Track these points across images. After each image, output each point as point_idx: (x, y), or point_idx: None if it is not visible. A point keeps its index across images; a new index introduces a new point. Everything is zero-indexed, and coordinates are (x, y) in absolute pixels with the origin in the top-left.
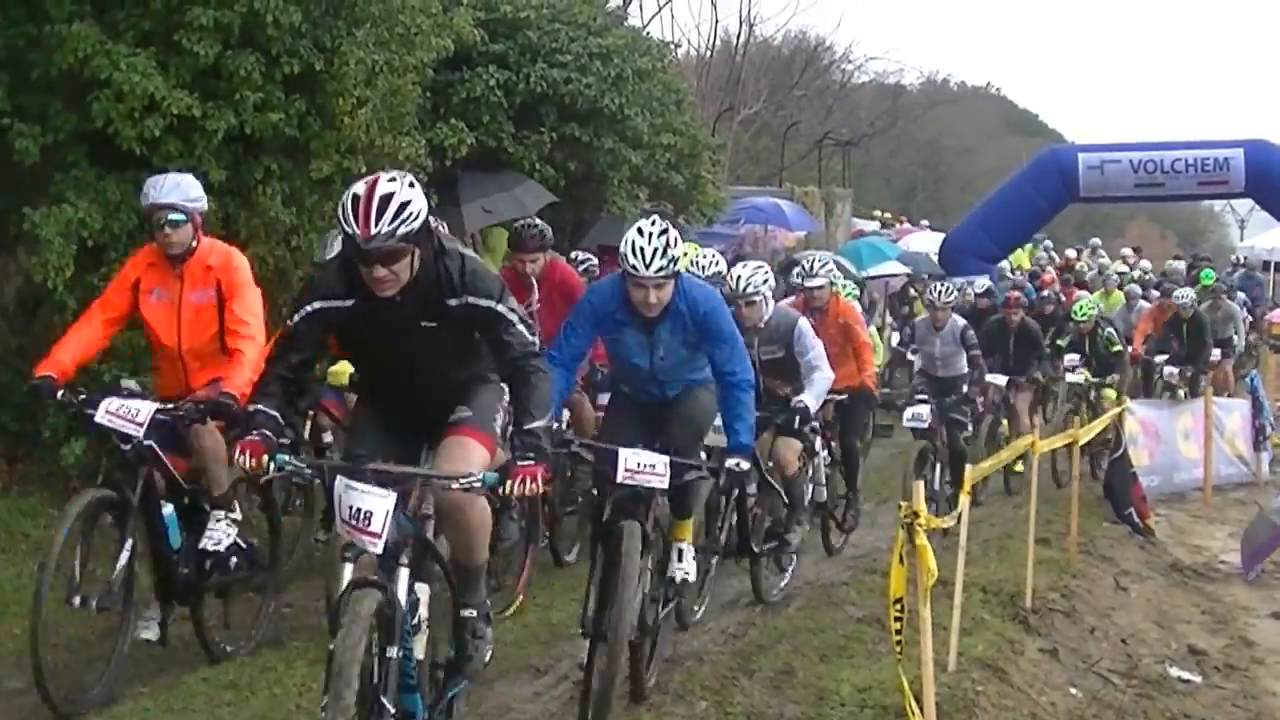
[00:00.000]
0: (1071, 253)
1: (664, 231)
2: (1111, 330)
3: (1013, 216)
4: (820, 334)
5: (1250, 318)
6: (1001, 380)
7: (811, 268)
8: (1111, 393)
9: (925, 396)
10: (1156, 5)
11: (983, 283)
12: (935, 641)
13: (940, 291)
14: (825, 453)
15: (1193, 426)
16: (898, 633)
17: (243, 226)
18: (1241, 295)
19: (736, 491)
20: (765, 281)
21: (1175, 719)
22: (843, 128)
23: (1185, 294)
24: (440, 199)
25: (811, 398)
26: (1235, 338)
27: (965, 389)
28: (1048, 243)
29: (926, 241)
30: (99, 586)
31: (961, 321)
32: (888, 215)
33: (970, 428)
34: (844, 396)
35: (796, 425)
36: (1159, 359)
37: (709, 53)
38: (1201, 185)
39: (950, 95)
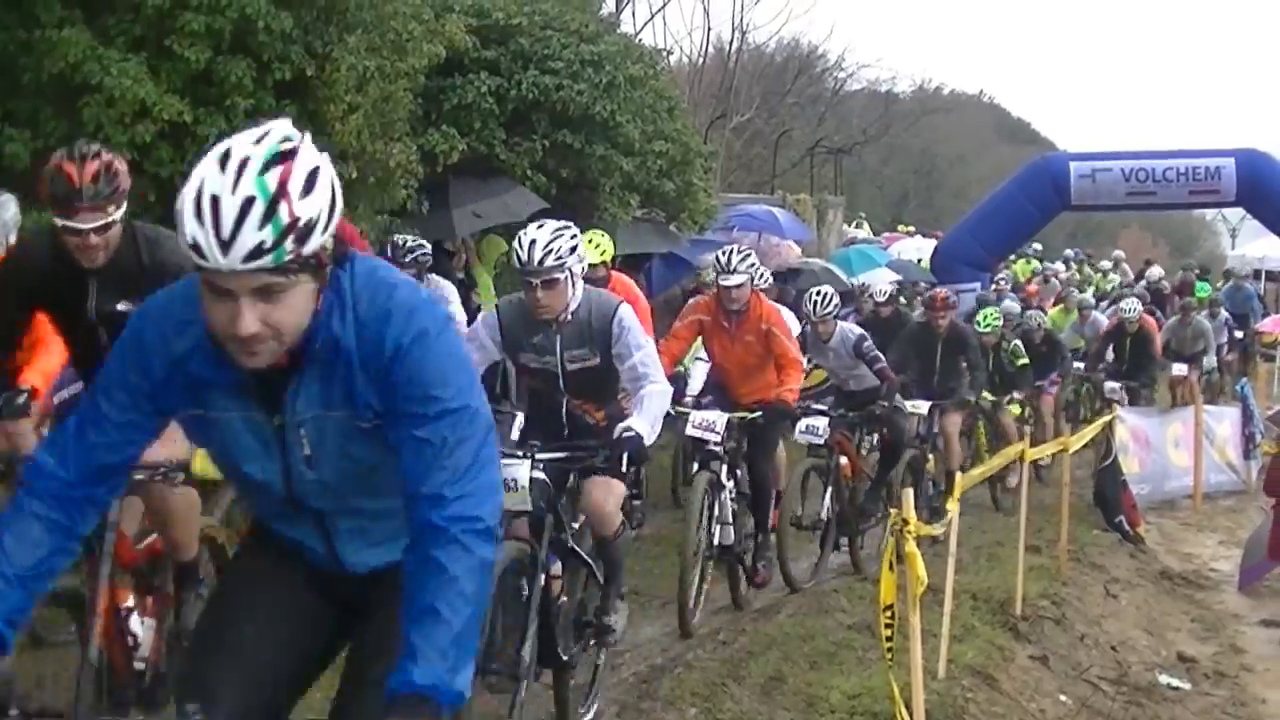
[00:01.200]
0: (1058, 265)
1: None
2: (1017, 344)
3: (1004, 224)
4: (734, 342)
5: (1239, 333)
6: (923, 407)
7: (729, 262)
8: (1016, 409)
9: (824, 408)
10: (1149, 15)
11: (884, 289)
12: (925, 649)
13: (816, 303)
14: (732, 484)
15: (1183, 434)
16: (888, 640)
17: None
18: (1225, 314)
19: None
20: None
21: None
22: (835, 135)
23: (1130, 305)
24: (431, 205)
25: (645, 423)
26: (1206, 354)
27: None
28: (1040, 257)
29: (915, 248)
30: None
31: (856, 332)
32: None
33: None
34: (758, 415)
35: (624, 464)
36: (1101, 376)
37: (701, 60)
38: (1193, 194)
39: (943, 103)
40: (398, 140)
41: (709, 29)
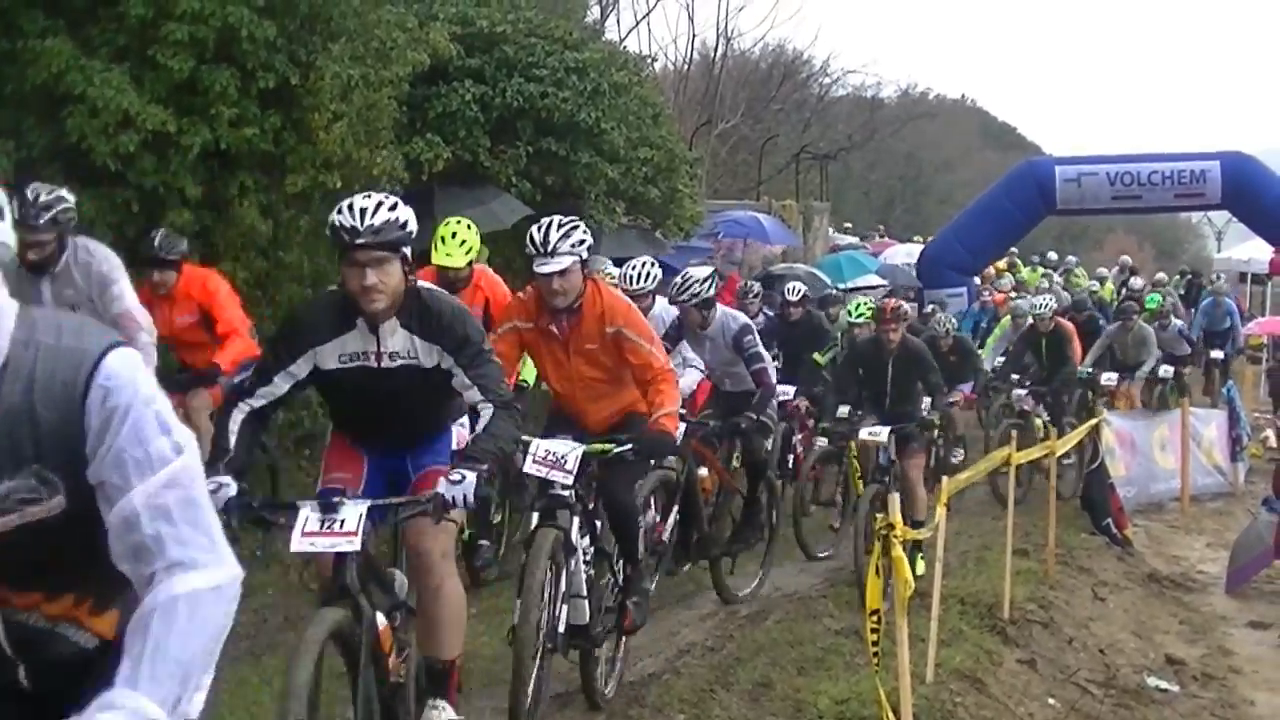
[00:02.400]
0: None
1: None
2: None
3: (990, 229)
4: (570, 354)
5: (1216, 353)
6: (882, 434)
7: (546, 238)
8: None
9: (701, 418)
10: (1133, 20)
11: (797, 286)
12: (913, 653)
13: (631, 277)
14: (587, 541)
15: (1169, 437)
16: (875, 644)
17: (220, 240)
18: (1178, 324)
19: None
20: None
21: None
22: (820, 141)
23: (1041, 303)
24: (416, 213)
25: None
26: (1146, 363)
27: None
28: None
29: (906, 254)
30: None
31: (739, 321)
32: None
33: (772, 469)
34: (626, 447)
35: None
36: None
37: (686, 66)
38: (1178, 197)
39: (928, 108)
40: (382, 148)
41: (694, 35)
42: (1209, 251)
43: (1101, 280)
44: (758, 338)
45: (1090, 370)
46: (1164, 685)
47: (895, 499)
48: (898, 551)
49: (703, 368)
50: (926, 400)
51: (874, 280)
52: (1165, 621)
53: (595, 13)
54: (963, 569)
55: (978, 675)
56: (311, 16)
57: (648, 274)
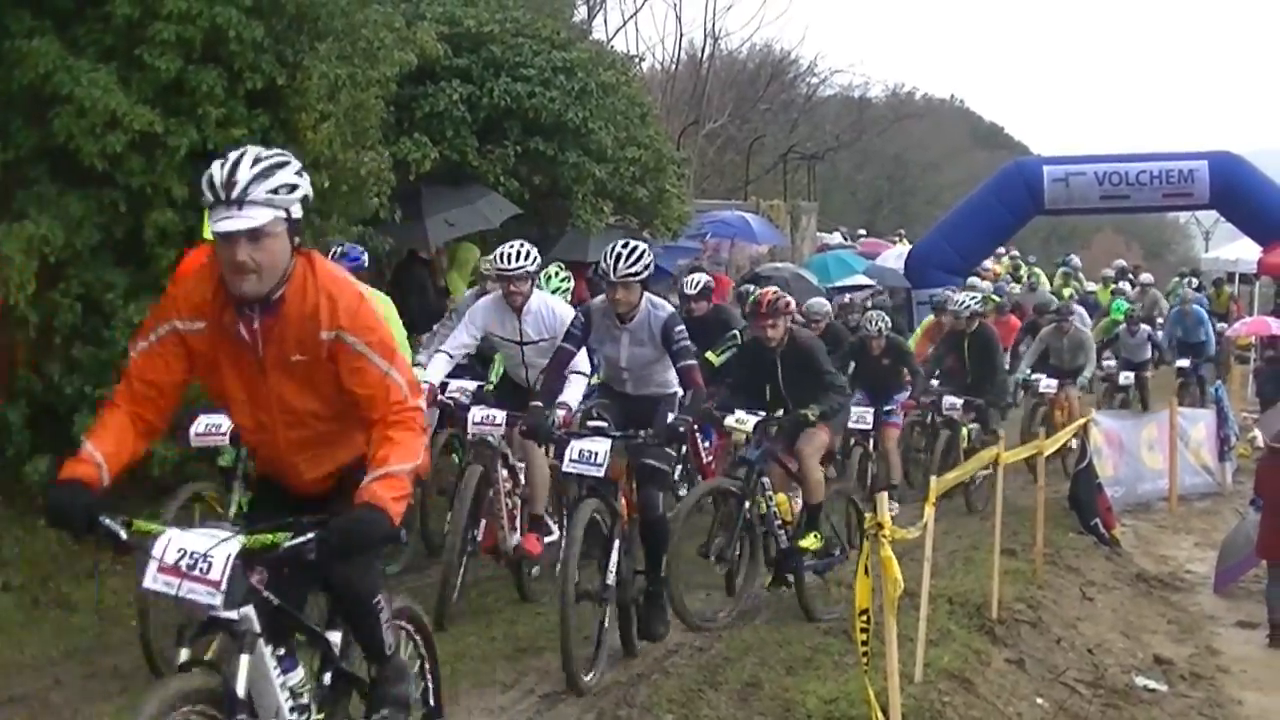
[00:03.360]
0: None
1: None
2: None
3: (978, 229)
4: (261, 377)
5: (1183, 361)
6: (749, 423)
7: (231, 183)
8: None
9: (604, 422)
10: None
11: (697, 279)
12: (901, 653)
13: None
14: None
15: (1157, 437)
16: (864, 644)
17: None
18: (1146, 328)
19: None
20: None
21: None
22: (808, 141)
23: (962, 300)
24: (404, 213)
25: None
26: (1085, 369)
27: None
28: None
29: (897, 256)
30: None
31: (665, 311)
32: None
33: (676, 485)
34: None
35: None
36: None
37: (674, 66)
38: (1166, 197)
39: (916, 108)
40: (370, 148)
41: (681, 35)
42: (1196, 251)
43: (1106, 281)
44: (686, 333)
45: (1029, 375)
46: (1152, 685)
47: (884, 498)
48: (886, 552)
49: (589, 372)
50: (866, 406)
51: (862, 280)
52: (1153, 621)
53: (582, 12)
54: (951, 569)
55: (966, 675)
56: (299, 17)
57: (526, 253)
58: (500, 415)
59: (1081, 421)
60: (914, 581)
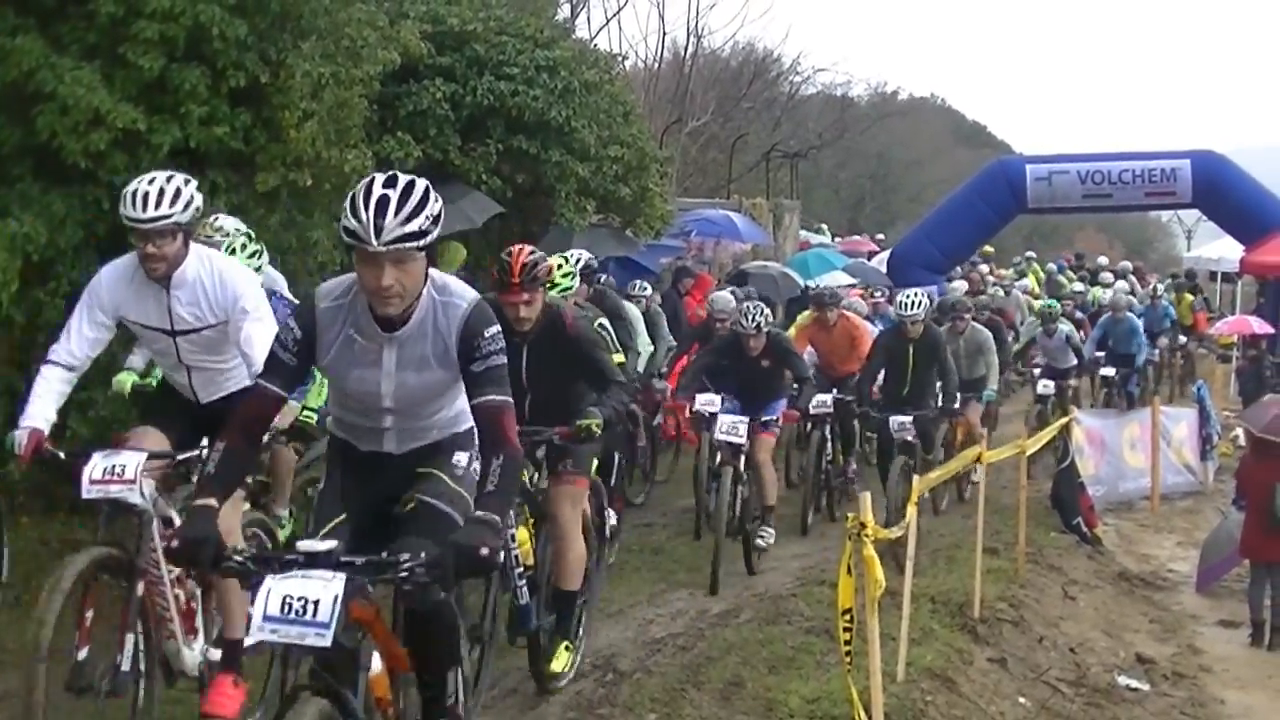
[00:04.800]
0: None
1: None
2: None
3: (960, 228)
4: None
5: (1107, 370)
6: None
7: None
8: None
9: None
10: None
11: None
12: (884, 652)
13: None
14: None
15: (1139, 436)
16: (846, 643)
17: None
18: (1066, 327)
19: None
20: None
21: None
22: (791, 139)
23: (910, 297)
24: None
25: None
26: (990, 379)
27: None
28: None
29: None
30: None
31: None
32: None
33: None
34: None
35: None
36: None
37: (657, 65)
38: (1149, 196)
39: (899, 107)
40: (353, 147)
41: (664, 34)
42: (1179, 250)
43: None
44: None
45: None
46: (1134, 684)
47: (866, 498)
48: (869, 551)
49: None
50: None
51: (841, 278)
52: (1135, 620)
53: (565, 11)
54: (933, 568)
55: (949, 674)
56: (282, 15)
57: (174, 194)
58: (132, 462)
59: (1064, 420)
60: (896, 581)
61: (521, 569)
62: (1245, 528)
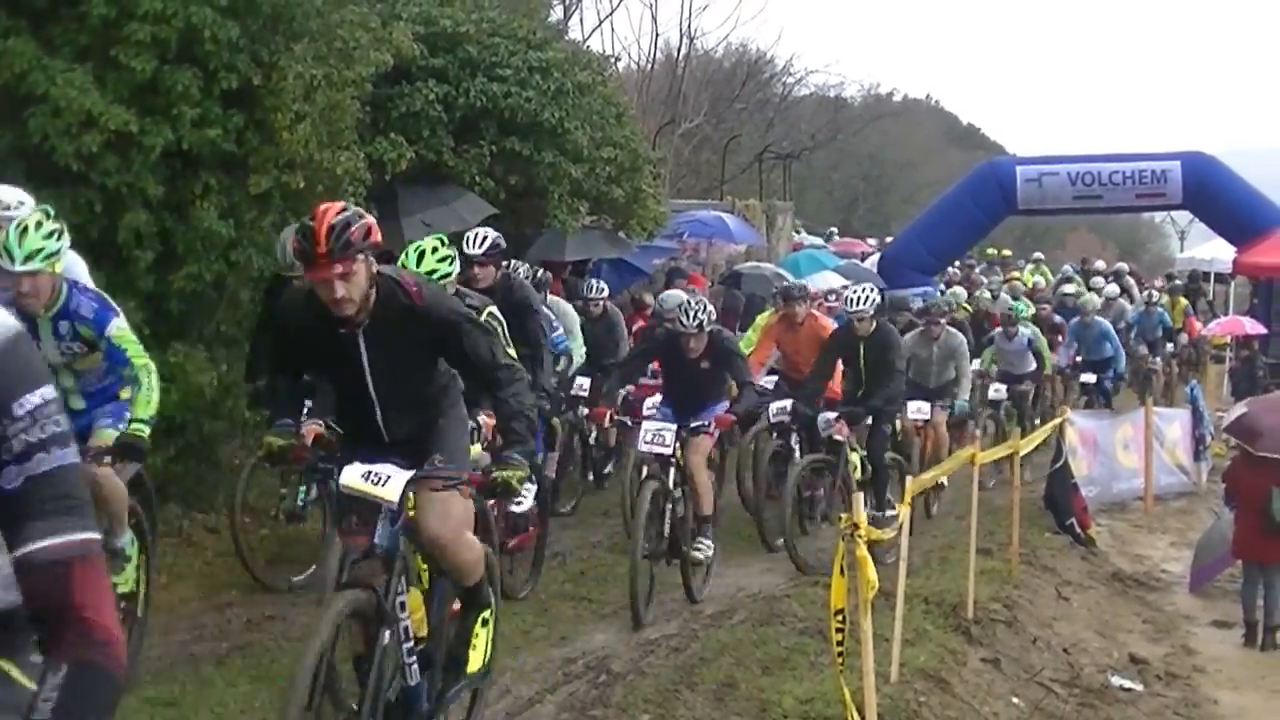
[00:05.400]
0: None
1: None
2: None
3: (951, 229)
4: None
5: (1088, 376)
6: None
7: None
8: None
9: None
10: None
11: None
12: (877, 653)
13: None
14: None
15: (1132, 436)
16: (839, 644)
17: (180, 242)
18: (1028, 331)
19: None
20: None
21: None
22: (784, 141)
23: (859, 294)
24: (380, 214)
25: None
26: (961, 388)
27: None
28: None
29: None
30: None
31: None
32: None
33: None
34: None
35: None
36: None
37: (649, 66)
38: (1140, 197)
39: (892, 108)
40: (345, 149)
41: (657, 35)
42: (1171, 251)
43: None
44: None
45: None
46: (1128, 684)
47: (859, 498)
48: (862, 551)
49: None
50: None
51: (833, 278)
52: (1129, 621)
53: (558, 12)
54: (926, 569)
55: (942, 675)
56: (274, 17)
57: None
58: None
59: (1057, 421)
60: (889, 581)
61: (412, 642)
62: (1237, 529)
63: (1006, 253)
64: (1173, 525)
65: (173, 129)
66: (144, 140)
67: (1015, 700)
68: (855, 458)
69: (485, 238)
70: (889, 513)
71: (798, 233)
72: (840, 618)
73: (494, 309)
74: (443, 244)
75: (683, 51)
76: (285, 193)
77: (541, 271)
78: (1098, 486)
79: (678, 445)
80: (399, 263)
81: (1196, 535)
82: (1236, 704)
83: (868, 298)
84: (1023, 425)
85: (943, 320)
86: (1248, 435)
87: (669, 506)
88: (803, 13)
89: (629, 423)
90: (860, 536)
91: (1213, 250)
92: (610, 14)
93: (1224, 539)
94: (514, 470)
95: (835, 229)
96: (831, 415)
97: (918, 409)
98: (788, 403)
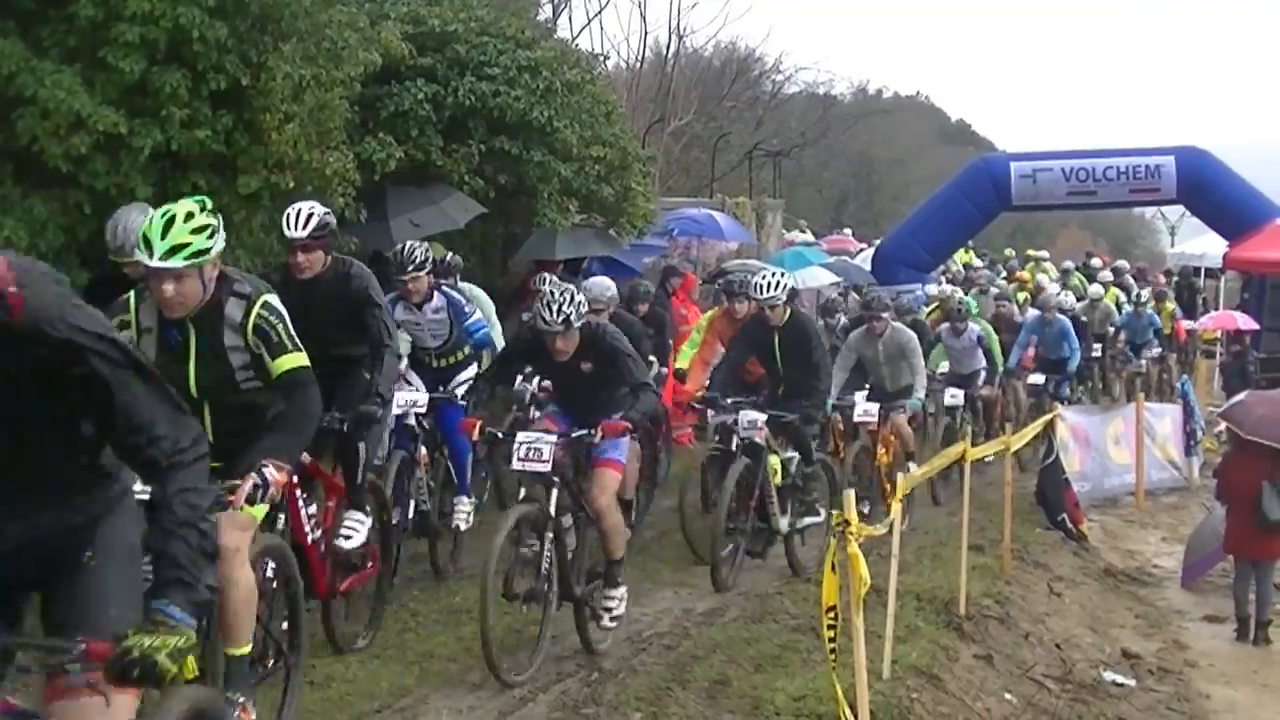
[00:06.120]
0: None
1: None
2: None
3: (945, 225)
4: None
5: (1037, 377)
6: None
7: None
8: None
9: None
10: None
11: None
12: (869, 649)
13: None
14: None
15: (1124, 432)
16: (832, 641)
17: None
18: (978, 328)
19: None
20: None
21: None
22: (773, 138)
23: (767, 279)
24: (369, 214)
25: None
26: (917, 385)
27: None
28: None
29: (866, 259)
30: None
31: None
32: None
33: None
34: None
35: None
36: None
37: (639, 64)
38: (1133, 192)
39: (881, 105)
40: (334, 149)
41: (646, 33)
42: (1162, 246)
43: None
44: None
45: (836, 399)
46: (1120, 680)
47: (850, 495)
48: (853, 549)
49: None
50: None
51: (822, 275)
52: (1121, 616)
53: (547, 11)
54: (919, 565)
55: (934, 671)
56: (263, 17)
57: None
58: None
59: (1048, 417)
60: (881, 578)
61: None
62: (1229, 524)
63: (1033, 252)
64: (1164, 520)
65: (161, 130)
66: (133, 141)
67: (1008, 696)
68: (775, 461)
69: (310, 216)
70: (810, 520)
71: (803, 232)
72: (832, 615)
73: (271, 299)
74: (203, 209)
75: (672, 49)
76: (274, 193)
77: (451, 255)
78: (1089, 482)
79: (567, 460)
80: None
81: (1188, 530)
82: (1228, 698)
83: (778, 283)
84: (987, 432)
85: (886, 315)
86: (1238, 419)
87: (544, 539)
88: (791, 10)
89: (499, 435)
90: (851, 534)
91: (1204, 245)
92: (599, 12)
93: (1215, 534)
94: (162, 640)
95: (850, 228)
96: (754, 416)
97: (864, 411)
98: (760, 416)
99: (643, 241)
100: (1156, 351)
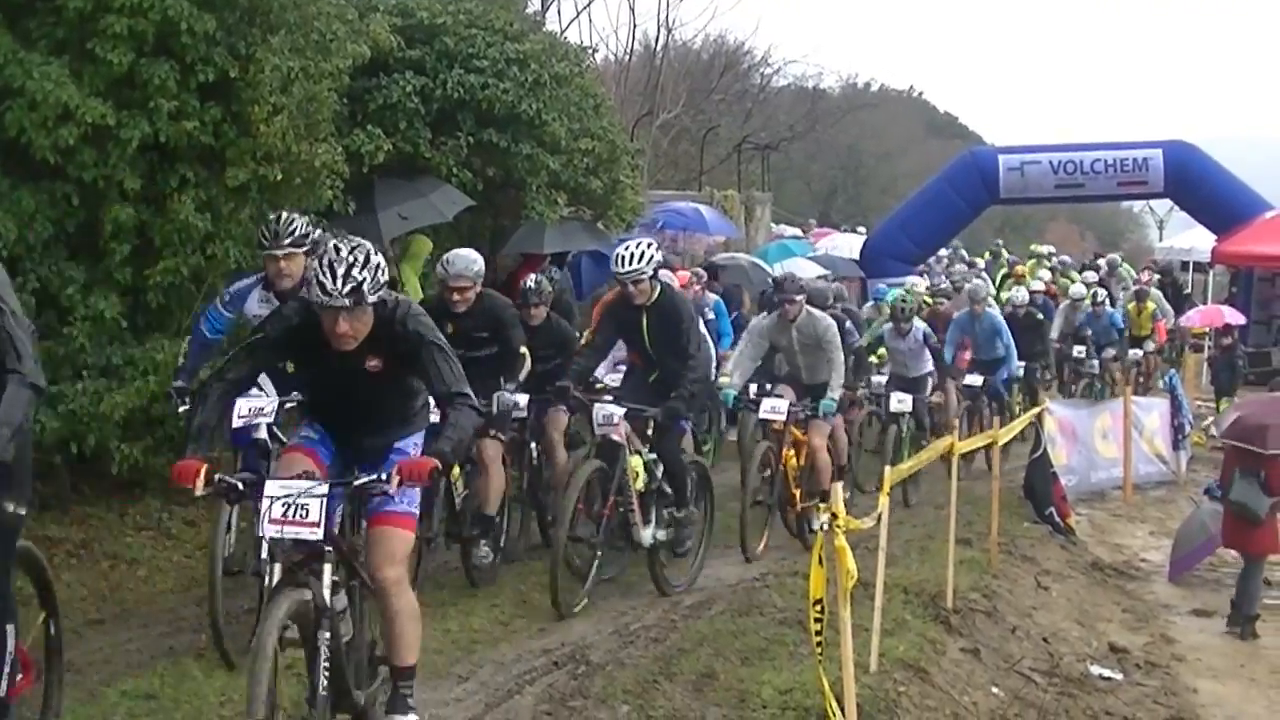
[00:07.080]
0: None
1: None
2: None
3: (933, 219)
4: None
5: (974, 378)
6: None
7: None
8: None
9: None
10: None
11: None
12: (857, 643)
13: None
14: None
15: (1111, 425)
16: (818, 634)
17: (157, 235)
18: (921, 327)
19: None
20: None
21: (1097, 717)
22: (762, 132)
23: (628, 250)
24: (357, 206)
25: None
26: (833, 382)
27: None
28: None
29: (850, 246)
30: None
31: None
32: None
33: None
34: None
35: None
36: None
37: (627, 57)
38: (1121, 186)
39: (870, 99)
40: (323, 141)
41: (635, 26)
42: (1150, 240)
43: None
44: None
45: (738, 394)
46: (1107, 673)
47: (838, 488)
48: (840, 542)
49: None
50: None
51: (809, 266)
52: (1108, 610)
53: (536, 4)
54: (906, 559)
55: (921, 665)
56: (251, 9)
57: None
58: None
59: (1035, 410)
60: (869, 571)
61: None
62: (1228, 519)
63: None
64: (1152, 514)
65: (150, 122)
66: (121, 133)
67: (995, 690)
68: (636, 462)
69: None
70: (684, 534)
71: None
72: (819, 608)
73: None
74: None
75: (660, 42)
76: (263, 185)
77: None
78: (1077, 476)
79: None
80: None
81: (1175, 524)
82: (1215, 693)
83: (643, 254)
84: (919, 434)
85: (799, 299)
86: (1254, 437)
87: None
88: (780, 3)
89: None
90: (839, 527)
91: (1191, 239)
92: (588, 5)
93: (1203, 528)
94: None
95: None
96: (609, 410)
97: (771, 408)
98: (616, 410)
99: (630, 235)
100: (1112, 353)
